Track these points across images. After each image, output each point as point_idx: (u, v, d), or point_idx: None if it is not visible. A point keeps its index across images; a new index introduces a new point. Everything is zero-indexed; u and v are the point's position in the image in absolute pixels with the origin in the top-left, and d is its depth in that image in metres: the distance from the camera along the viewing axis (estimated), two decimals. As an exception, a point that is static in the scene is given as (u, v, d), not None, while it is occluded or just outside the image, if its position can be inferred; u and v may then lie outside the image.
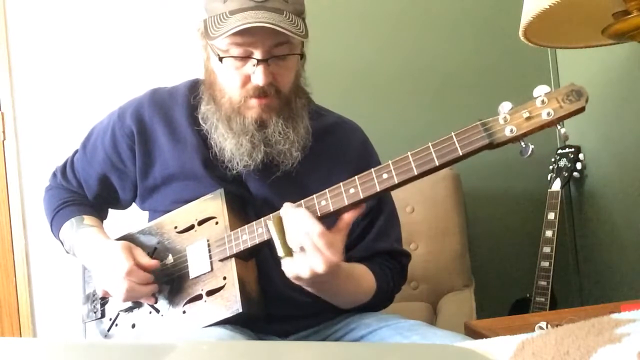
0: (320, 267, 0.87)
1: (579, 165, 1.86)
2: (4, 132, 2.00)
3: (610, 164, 1.84)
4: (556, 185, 1.88)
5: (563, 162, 1.89)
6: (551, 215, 1.84)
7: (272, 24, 0.93)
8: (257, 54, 0.98)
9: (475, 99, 2.07)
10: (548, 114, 0.80)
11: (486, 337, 0.76)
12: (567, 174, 1.87)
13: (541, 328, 1.09)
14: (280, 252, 0.91)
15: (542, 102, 0.81)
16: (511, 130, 0.82)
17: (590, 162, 1.92)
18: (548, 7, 1.10)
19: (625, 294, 1.79)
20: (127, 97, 1.19)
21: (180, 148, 1.10)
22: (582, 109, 0.79)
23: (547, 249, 1.82)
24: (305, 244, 0.87)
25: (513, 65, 2.09)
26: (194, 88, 1.14)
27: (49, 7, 2.01)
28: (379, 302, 1.11)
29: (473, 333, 1.19)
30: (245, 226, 1.00)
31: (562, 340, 0.57)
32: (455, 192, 1.88)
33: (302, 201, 0.94)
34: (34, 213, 1.99)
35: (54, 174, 1.25)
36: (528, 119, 0.81)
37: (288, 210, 0.91)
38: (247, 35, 0.95)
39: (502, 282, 2.05)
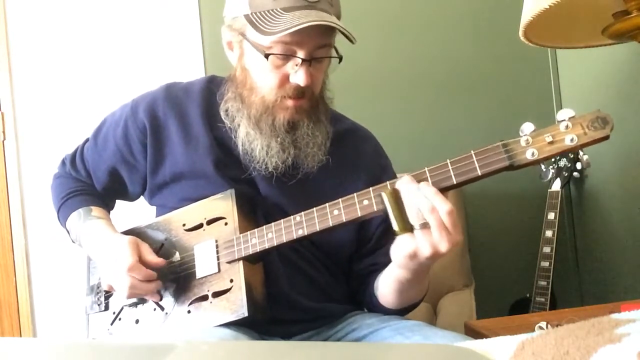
0: (444, 247, 0.82)
1: (579, 165, 1.86)
2: (4, 132, 2.00)
3: (611, 164, 1.84)
4: (556, 185, 1.88)
5: (563, 162, 1.89)
6: (551, 215, 1.84)
7: (335, 24, 0.93)
8: (301, 54, 0.97)
9: (475, 99, 2.08)
10: (572, 139, 0.79)
11: (486, 337, 0.76)
12: (567, 174, 1.87)
13: (541, 328, 1.09)
14: (396, 227, 0.85)
15: (566, 127, 0.79)
16: (533, 154, 0.80)
17: (590, 162, 1.91)
18: (548, 7, 1.10)
19: (625, 294, 1.79)
20: (126, 97, 1.19)
21: (192, 146, 1.09)
22: (606, 137, 0.78)
23: (547, 249, 1.82)
24: (431, 220, 0.82)
25: (513, 65, 2.09)
26: (212, 85, 1.13)
27: (49, 7, 2.01)
28: (416, 304, 1.10)
29: (473, 333, 1.19)
30: (255, 230, 0.99)
31: (562, 340, 0.57)
32: (455, 192, 1.88)
33: (314, 209, 0.93)
34: (34, 213, 1.99)
35: (63, 162, 1.24)
36: (551, 143, 0.80)
37: (410, 184, 0.85)
38: (298, 35, 0.94)
39: (502, 282, 2.05)
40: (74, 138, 1.32)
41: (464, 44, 2.09)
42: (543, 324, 1.11)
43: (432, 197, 0.83)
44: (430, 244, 0.83)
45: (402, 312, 1.09)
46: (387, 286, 1.03)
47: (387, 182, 0.88)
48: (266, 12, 0.96)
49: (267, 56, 0.97)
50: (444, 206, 0.82)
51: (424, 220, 0.83)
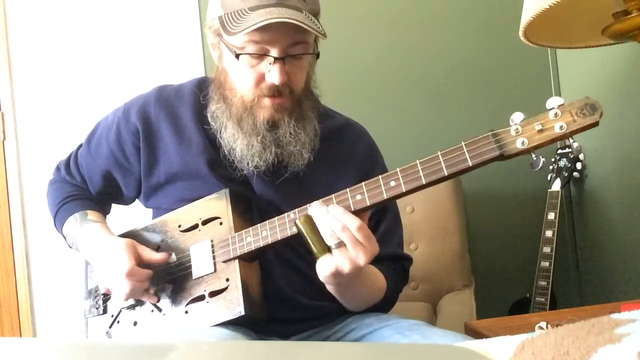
0: (362, 259, 0.87)
1: (579, 165, 1.86)
2: (4, 132, 2.00)
3: (611, 164, 1.84)
4: (556, 185, 1.88)
5: (563, 162, 1.89)
6: (551, 215, 1.84)
7: (297, 21, 0.93)
8: (274, 52, 0.97)
9: (475, 99, 2.08)
10: (561, 127, 0.79)
11: (486, 337, 0.76)
12: (567, 174, 1.87)
13: (541, 328, 1.09)
14: (315, 251, 0.90)
15: (555, 114, 0.80)
16: (523, 143, 0.81)
17: (590, 162, 1.91)
18: (548, 7, 1.10)
19: (625, 294, 1.79)
20: (126, 97, 1.19)
21: (185, 147, 1.09)
22: (595, 124, 0.78)
23: (547, 249, 1.82)
24: (344, 239, 0.87)
25: (513, 65, 2.09)
26: (201, 86, 1.13)
27: (49, 7, 2.01)
28: (386, 303, 1.11)
29: (473, 333, 1.19)
30: (250, 228, 0.99)
31: (562, 340, 0.57)
32: (455, 192, 1.88)
33: (308, 205, 0.93)
34: (34, 213, 1.99)
35: (58, 168, 1.24)
36: (540, 131, 0.80)
37: (319, 208, 0.90)
38: (266, 33, 0.95)
39: (502, 282, 2.05)
40: (73, 138, 1.33)
41: (463, 44, 2.09)
42: (543, 324, 1.11)
43: (341, 217, 0.87)
44: (349, 260, 0.87)
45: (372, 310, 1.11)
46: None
47: (297, 210, 0.94)
48: (235, 12, 0.96)
49: (237, 56, 0.98)
50: (353, 223, 0.87)
51: (339, 240, 0.88)
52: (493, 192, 2.07)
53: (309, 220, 0.90)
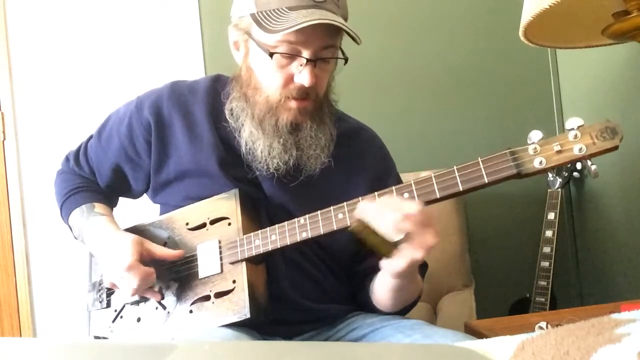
0: (432, 240, 0.84)
1: (579, 165, 1.86)
2: (4, 132, 2.00)
3: (611, 164, 1.84)
4: (556, 185, 1.88)
5: (563, 162, 1.88)
6: (551, 215, 1.84)
7: (340, 23, 0.93)
8: (306, 54, 0.96)
9: (475, 100, 2.07)
10: (580, 149, 0.78)
11: (486, 337, 0.76)
12: (567, 174, 1.87)
13: (541, 328, 1.09)
14: (382, 253, 0.85)
15: (575, 136, 0.79)
16: (540, 163, 0.80)
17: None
18: (548, 7, 1.10)
19: (625, 294, 1.79)
20: (127, 97, 1.19)
21: (196, 145, 1.08)
22: (615, 148, 0.78)
23: (547, 249, 1.82)
24: (409, 227, 0.83)
25: (513, 65, 2.09)
26: (217, 84, 1.12)
27: (49, 7, 2.01)
28: (414, 303, 1.10)
29: (473, 333, 1.19)
30: (259, 231, 0.99)
31: (562, 340, 0.57)
32: (455, 192, 1.88)
33: (318, 212, 0.93)
34: (34, 213, 1.99)
35: (67, 159, 1.24)
36: (559, 152, 0.79)
37: (369, 206, 0.86)
38: (302, 34, 0.94)
39: (502, 282, 2.05)
40: (74, 138, 1.32)
41: (464, 44, 2.09)
42: (543, 324, 1.11)
43: (397, 206, 0.83)
44: (420, 245, 0.84)
45: (400, 313, 1.10)
46: (382, 294, 1.04)
47: (351, 222, 0.87)
48: (272, 10, 0.95)
49: (271, 55, 0.97)
50: (412, 207, 0.83)
51: (403, 231, 0.83)
52: (493, 192, 2.07)
53: (363, 223, 0.84)
